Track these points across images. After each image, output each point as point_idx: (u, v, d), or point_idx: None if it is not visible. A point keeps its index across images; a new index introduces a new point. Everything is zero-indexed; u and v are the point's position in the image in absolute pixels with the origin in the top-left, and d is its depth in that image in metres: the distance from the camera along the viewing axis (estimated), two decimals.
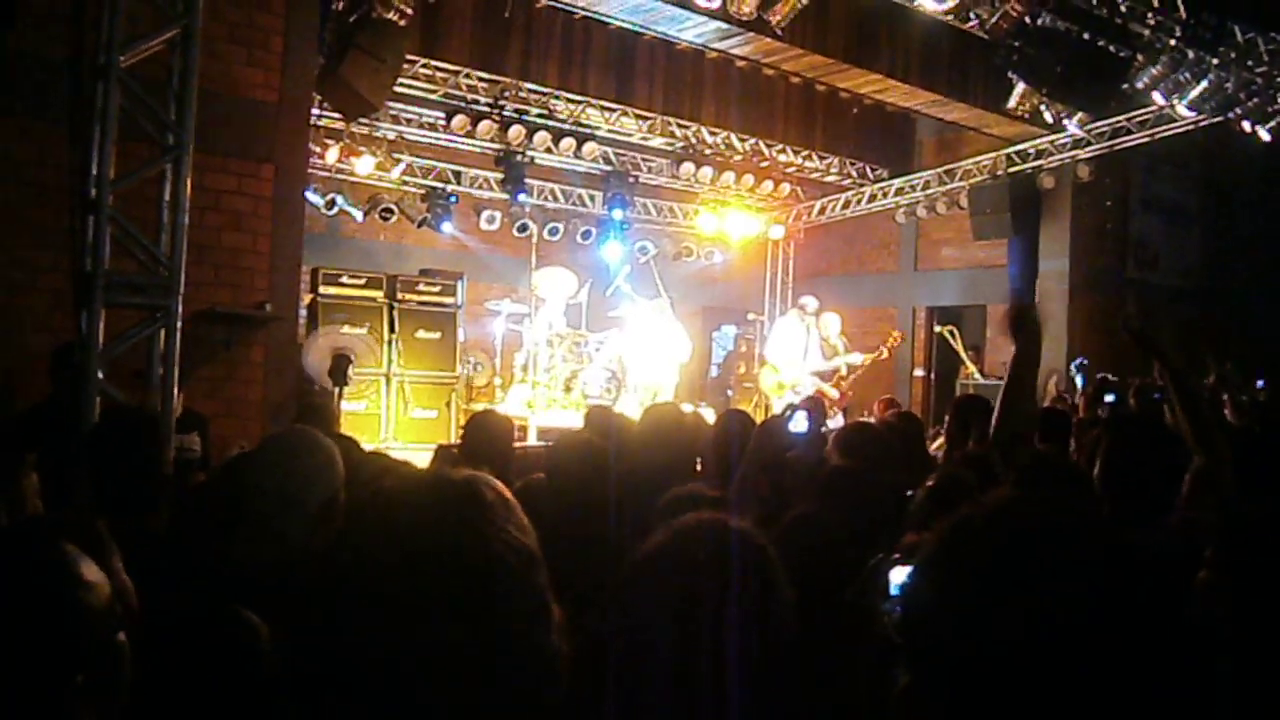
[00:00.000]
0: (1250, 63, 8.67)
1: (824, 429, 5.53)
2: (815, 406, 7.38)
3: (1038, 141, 11.38)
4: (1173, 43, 8.28)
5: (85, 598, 1.25)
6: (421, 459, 5.11)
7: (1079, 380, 10.24)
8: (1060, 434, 5.47)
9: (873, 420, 6.31)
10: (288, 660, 1.45)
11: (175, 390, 4.63)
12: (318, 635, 1.10)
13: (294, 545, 2.19)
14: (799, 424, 3.20)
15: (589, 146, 11.61)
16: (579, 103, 10.87)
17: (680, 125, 11.63)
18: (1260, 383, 5.47)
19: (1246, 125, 9.29)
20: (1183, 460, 2.79)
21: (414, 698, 1.05)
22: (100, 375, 4.40)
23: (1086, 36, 7.56)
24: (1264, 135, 9.37)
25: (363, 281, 10.17)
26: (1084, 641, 0.98)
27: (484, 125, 10.68)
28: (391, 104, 10.29)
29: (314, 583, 1.20)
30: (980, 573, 1.03)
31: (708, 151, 12.38)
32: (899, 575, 2.37)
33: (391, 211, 12.13)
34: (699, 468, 3.67)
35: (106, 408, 4.33)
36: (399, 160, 11.67)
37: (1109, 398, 4.99)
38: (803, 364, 10.54)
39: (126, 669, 1.28)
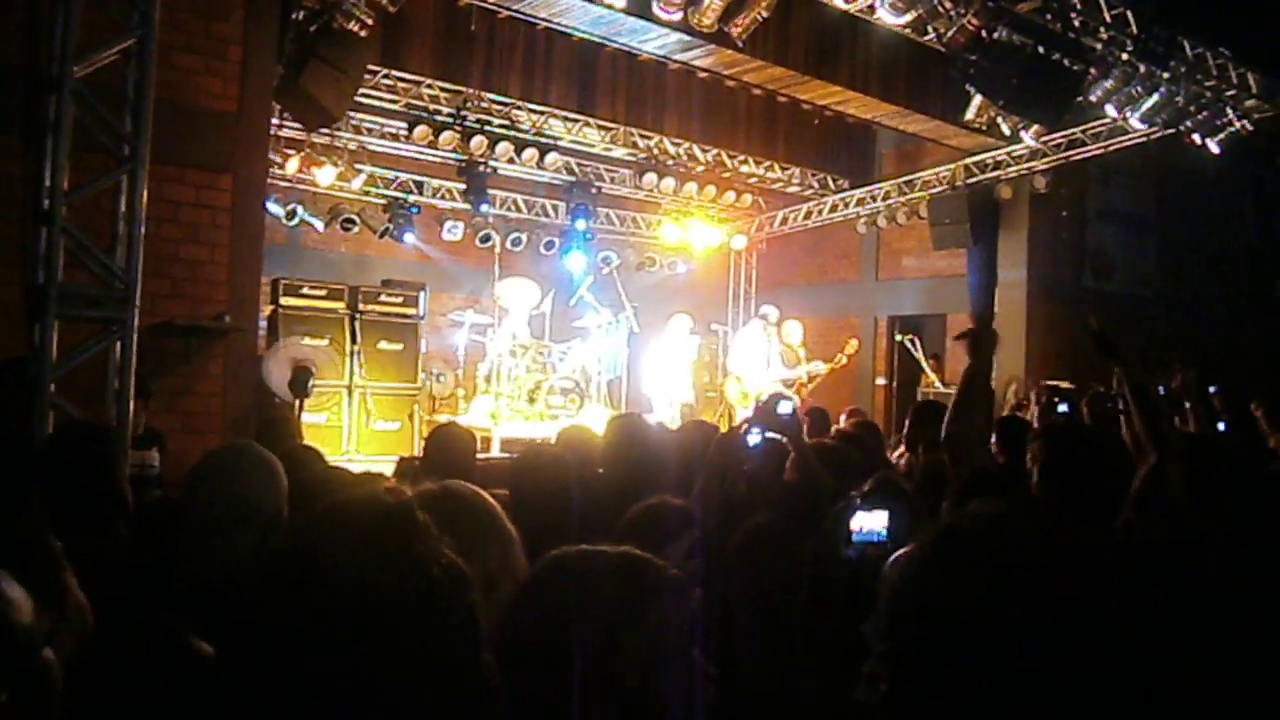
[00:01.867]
0: (1199, 77, 8.85)
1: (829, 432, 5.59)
2: (820, 417, 7.39)
3: (995, 153, 11.53)
4: (1125, 57, 8.43)
5: (3, 614, 1.23)
6: (384, 471, 5.08)
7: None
8: (1018, 443, 5.53)
9: (835, 429, 6.35)
10: (230, 673, 1.45)
11: (131, 405, 4.57)
12: (259, 650, 1.12)
13: (239, 560, 2.18)
14: (754, 438, 3.26)
15: (551, 157, 11.62)
16: (541, 113, 10.88)
17: (643, 136, 11.67)
18: (1212, 389, 5.56)
19: (1196, 138, 9.48)
20: (1121, 466, 2.83)
21: (349, 711, 1.07)
22: (53, 389, 4.34)
23: (1041, 50, 7.68)
24: (1213, 148, 9.57)
25: (324, 293, 10.09)
26: (1067, 644, 1.01)
27: (446, 136, 10.66)
28: (353, 114, 10.24)
29: (255, 599, 1.22)
30: (969, 577, 1.06)
31: (670, 162, 12.42)
32: (859, 519, 2.48)
33: (353, 222, 12.06)
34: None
35: (61, 423, 4.26)
36: (360, 171, 11.60)
37: (1062, 407, 5.03)
38: (766, 373, 10.61)
39: (54, 686, 1.27)
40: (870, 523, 2.51)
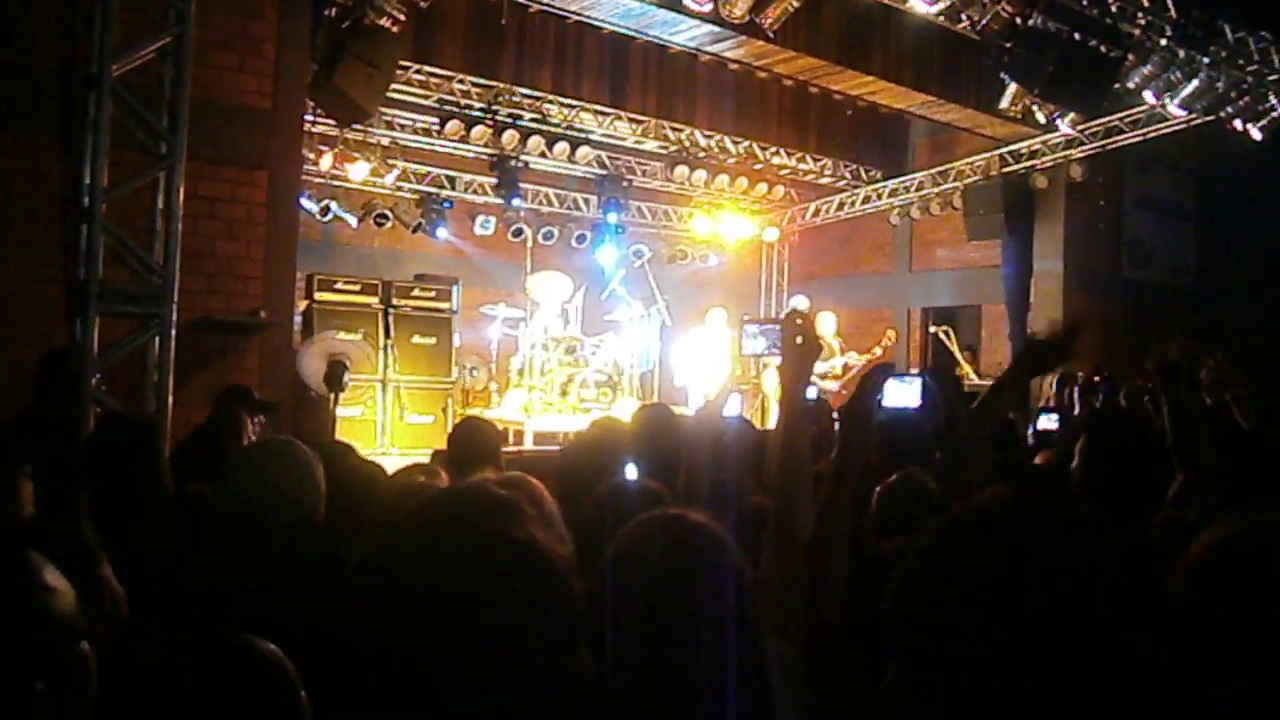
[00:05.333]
0: (1241, 61, 8.69)
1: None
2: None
3: (1030, 142, 11.38)
4: (1163, 42, 8.30)
5: (46, 604, 1.23)
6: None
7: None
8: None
9: None
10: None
11: (170, 398, 4.63)
12: (372, 640, 1.14)
13: (265, 557, 2.18)
14: (733, 408, 3.29)
15: (583, 151, 11.63)
16: (572, 107, 10.89)
17: (674, 128, 11.64)
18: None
19: (1238, 124, 9.32)
20: (1166, 459, 2.76)
21: (447, 693, 1.09)
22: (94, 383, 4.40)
23: (1077, 37, 7.58)
24: (1255, 134, 9.40)
25: (358, 287, 10.17)
26: (1072, 636, 0.99)
27: (478, 130, 10.69)
28: (385, 110, 10.29)
29: (362, 591, 1.24)
30: (977, 569, 1.05)
31: (701, 154, 12.39)
32: (892, 387, 2.51)
33: (386, 217, 12.14)
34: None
35: (103, 416, 4.33)
36: (393, 166, 11.68)
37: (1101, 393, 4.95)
38: None
39: (91, 679, 1.27)
40: (902, 392, 2.56)
